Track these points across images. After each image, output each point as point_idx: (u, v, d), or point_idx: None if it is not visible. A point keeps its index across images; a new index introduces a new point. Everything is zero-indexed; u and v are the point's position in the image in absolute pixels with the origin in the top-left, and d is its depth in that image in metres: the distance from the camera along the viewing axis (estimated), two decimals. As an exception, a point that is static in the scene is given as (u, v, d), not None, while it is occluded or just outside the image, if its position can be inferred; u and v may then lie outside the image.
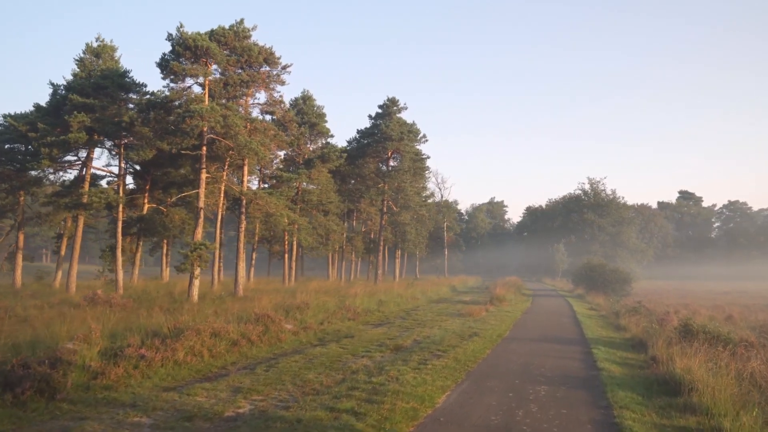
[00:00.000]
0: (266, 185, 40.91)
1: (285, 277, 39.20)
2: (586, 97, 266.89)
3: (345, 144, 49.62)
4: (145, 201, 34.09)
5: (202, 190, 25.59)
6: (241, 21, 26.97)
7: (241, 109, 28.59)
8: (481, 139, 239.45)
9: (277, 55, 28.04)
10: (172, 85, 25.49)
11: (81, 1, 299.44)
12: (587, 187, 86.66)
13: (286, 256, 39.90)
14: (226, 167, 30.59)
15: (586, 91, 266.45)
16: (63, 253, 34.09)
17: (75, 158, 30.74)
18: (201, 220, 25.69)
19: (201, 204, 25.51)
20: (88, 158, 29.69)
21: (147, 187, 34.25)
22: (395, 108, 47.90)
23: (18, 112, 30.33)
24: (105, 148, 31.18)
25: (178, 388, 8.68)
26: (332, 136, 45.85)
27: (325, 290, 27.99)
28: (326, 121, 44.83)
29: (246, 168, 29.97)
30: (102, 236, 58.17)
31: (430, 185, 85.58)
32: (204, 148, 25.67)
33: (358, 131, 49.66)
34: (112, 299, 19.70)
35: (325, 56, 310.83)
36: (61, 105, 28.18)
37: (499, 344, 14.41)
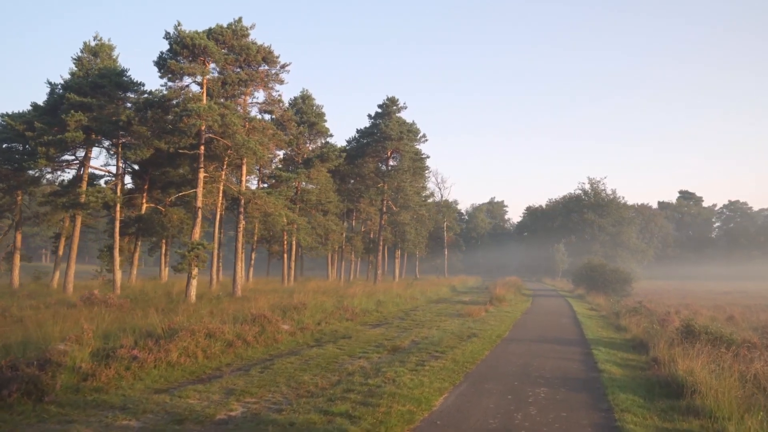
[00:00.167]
0: (265, 185, 40.76)
1: (284, 277, 39.04)
2: (586, 97, 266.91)
3: (344, 143, 49.49)
4: (144, 201, 33.92)
5: (200, 190, 25.43)
6: (240, 19, 26.83)
7: (239, 108, 28.44)
8: (481, 139, 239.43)
9: (275, 54, 27.90)
10: (169, 84, 25.33)
11: (80, 1, 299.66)
12: (587, 187, 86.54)
13: (285, 256, 39.74)
14: (225, 167, 30.44)
15: (586, 91, 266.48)
16: (61, 253, 33.95)
17: (73, 158, 30.60)
18: (199, 220, 25.52)
19: (199, 203, 25.34)
20: (86, 158, 29.55)
21: (145, 187, 34.08)
22: (395, 107, 47.73)
23: (16, 111, 30.17)
24: (103, 147, 31.07)
25: (170, 390, 8.52)
26: (331, 135, 45.77)
27: (323, 290, 27.82)
28: (325, 121, 44.70)
29: (244, 167, 29.82)
30: (101, 236, 58.02)
31: (430, 185, 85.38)
32: (202, 147, 25.50)
33: (358, 131, 49.53)
34: (109, 299, 19.55)
35: (325, 56, 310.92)
36: (59, 104, 28.03)
37: (498, 345, 14.23)
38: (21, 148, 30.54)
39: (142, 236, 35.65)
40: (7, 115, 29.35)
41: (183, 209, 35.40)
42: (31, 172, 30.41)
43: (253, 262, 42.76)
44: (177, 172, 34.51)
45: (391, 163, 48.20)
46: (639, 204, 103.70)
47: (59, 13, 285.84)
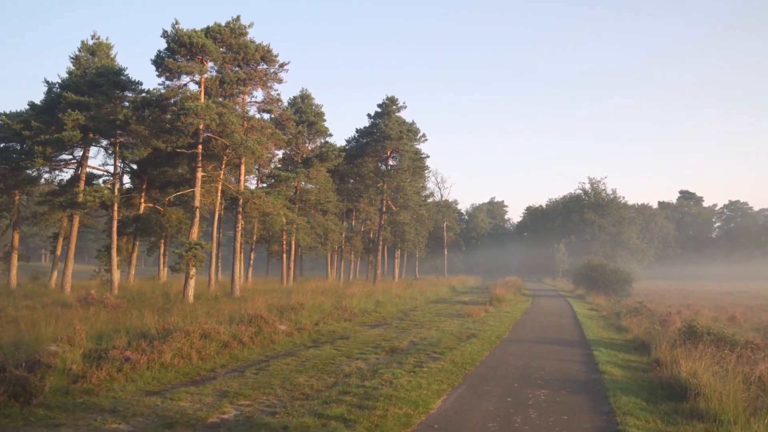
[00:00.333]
0: (264, 184, 40.60)
1: (283, 277, 38.86)
2: (586, 97, 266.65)
3: (344, 143, 49.34)
4: (142, 200, 33.75)
5: (197, 189, 25.26)
6: (238, 18, 26.68)
7: (238, 107, 28.27)
8: (481, 139, 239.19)
9: (274, 52, 27.74)
10: (167, 82, 25.16)
11: (79, 0, 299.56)
12: (588, 186, 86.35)
13: (284, 256, 39.57)
14: (223, 166, 30.27)
15: (586, 91, 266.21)
16: (59, 252, 33.79)
17: (70, 157, 30.43)
18: (197, 220, 25.35)
19: (197, 203, 25.17)
20: (84, 157, 29.37)
21: (144, 187, 33.94)
22: (394, 107, 47.57)
23: (13, 110, 30.00)
24: (101, 146, 30.91)
25: (163, 392, 8.34)
26: (331, 135, 45.73)
27: (322, 290, 27.64)
28: (325, 120, 44.55)
29: (243, 167, 29.65)
30: (100, 236, 57.86)
31: (430, 185, 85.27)
32: (200, 146, 25.34)
33: (357, 130, 49.37)
34: (106, 299, 19.40)
35: (325, 56, 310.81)
36: (56, 103, 27.85)
37: (497, 346, 14.06)
38: (18, 148, 30.35)
39: (140, 236, 35.49)
40: (5, 114, 29.16)
41: (181, 209, 35.23)
42: (28, 171, 30.23)
43: (252, 262, 42.58)
44: (175, 171, 34.36)
45: (390, 162, 48.04)
46: (639, 204, 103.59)
47: (58, 12, 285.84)
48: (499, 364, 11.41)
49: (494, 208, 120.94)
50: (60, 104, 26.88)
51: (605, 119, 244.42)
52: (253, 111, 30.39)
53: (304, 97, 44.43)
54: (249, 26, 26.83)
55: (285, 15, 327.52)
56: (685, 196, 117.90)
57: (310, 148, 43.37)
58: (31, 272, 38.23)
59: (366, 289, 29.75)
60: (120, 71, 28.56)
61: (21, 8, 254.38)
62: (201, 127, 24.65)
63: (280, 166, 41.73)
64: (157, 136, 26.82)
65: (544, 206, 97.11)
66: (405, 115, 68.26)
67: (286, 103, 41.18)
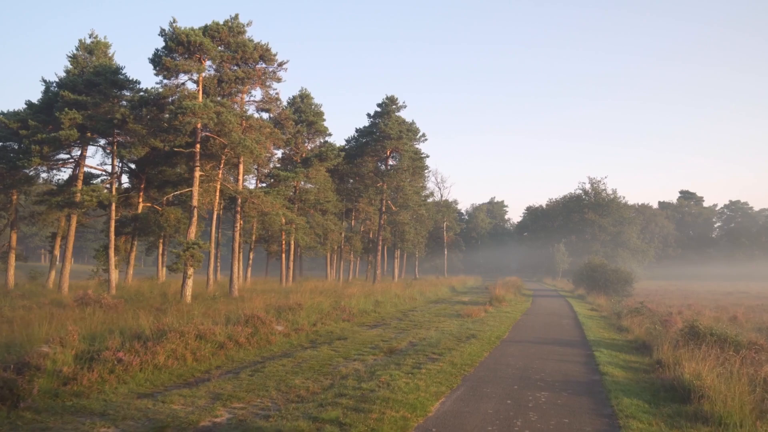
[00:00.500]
0: (263, 184, 40.42)
1: (282, 277, 38.68)
2: (587, 96, 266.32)
3: (343, 143, 49.19)
4: (140, 200, 33.58)
5: (195, 189, 25.09)
6: (236, 16, 26.54)
7: (236, 106, 28.11)
8: (481, 139, 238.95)
9: (273, 51, 27.59)
10: (165, 81, 25.02)
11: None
12: (588, 186, 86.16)
13: (284, 255, 39.40)
14: (222, 165, 30.11)
15: (587, 90, 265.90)
16: (57, 252, 33.62)
17: (68, 156, 30.27)
18: (195, 219, 25.18)
19: (195, 202, 25.01)
20: (82, 156, 29.21)
21: (142, 186, 33.76)
22: (394, 106, 47.40)
23: (11, 109, 29.84)
24: (98, 146, 30.74)
25: (155, 394, 8.17)
26: (330, 134, 45.51)
27: (321, 290, 27.46)
28: (324, 120, 44.37)
29: (241, 166, 29.49)
30: (99, 236, 57.74)
31: (430, 184, 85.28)
32: (198, 145, 25.17)
33: (357, 130, 49.22)
34: (103, 299, 19.23)
35: (325, 55, 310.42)
36: (54, 102, 27.70)
37: (497, 347, 13.88)
38: (16, 147, 30.19)
39: (138, 236, 35.32)
40: (2, 113, 29.00)
41: (180, 208, 35.06)
42: (25, 170, 30.07)
43: (251, 261, 42.39)
44: (174, 171, 34.20)
45: (390, 162, 47.87)
46: (640, 204, 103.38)
47: (56, 11, 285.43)
48: (498, 366, 11.24)
49: (494, 208, 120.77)
50: (57, 103, 26.73)
51: (605, 119, 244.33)
52: (251, 110, 30.28)
53: (304, 97, 44.25)
54: (247, 25, 26.69)
55: (285, 14, 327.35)
56: (686, 196, 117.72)
57: (309, 147, 43.20)
58: (29, 272, 38.10)
59: (365, 289, 29.58)
60: (118, 70, 28.40)
61: (19, 7, 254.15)
62: (199, 126, 24.50)
63: (279, 165, 41.57)
64: (155, 135, 26.68)
65: (545, 206, 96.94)
66: (405, 114, 68.25)
67: (285, 103, 41.06)
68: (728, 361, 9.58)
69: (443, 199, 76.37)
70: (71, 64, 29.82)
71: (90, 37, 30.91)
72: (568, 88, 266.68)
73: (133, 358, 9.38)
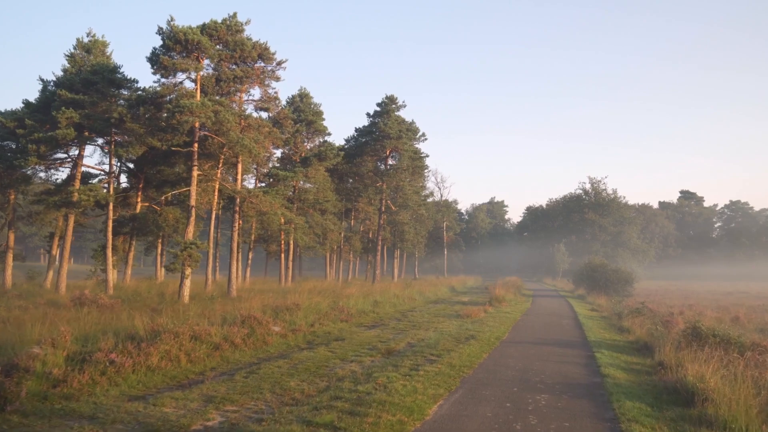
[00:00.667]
0: (262, 184, 40.26)
1: (281, 277, 38.51)
2: (587, 96, 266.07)
3: (343, 142, 49.05)
4: (138, 199, 33.42)
5: (193, 188, 24.93)
6: (234, 15, 26.37)
7: (234, 105, 27.94)
8: (481, 139, 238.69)
9: (271, 50, 27.43)
10: (162, 80, 24.86)
11: None
12: (588, 186, 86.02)
13: (283, 255, 39.23)
14: (221, 165, 29.95)
15: (587, 90, 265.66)
16: (55, 252, 33.45)
17: (65, 156, 30.11)
18: (192, 219, 25.02)
19: (192, 202, 24.85)
20: (79, 156, 29.04)
21: (140, 186, 33.60)
22: (394, 106, 47.23)
23: (8, 109, 29.68)
24: (96, 145, 30.57)
25: (147, 396, 8.00)
26: (330, 134, 45.31)
27: (319, 290, 27.29)
28: (323, 119, 44.24)
29: (240, 166, 29.34)
30: (99, 236, 57.55)
31: (430, 184, 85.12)
32: (195, 144, 25.02)
33: (356, 129, 49.08)
34: (99, 300, 19.08)
35: (324, 55, 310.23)
36: (51, 101, 27.52)
37: (497, 348, 13.72)
38: (14, 147, 30.04)
39: (137, 236, 35.15)
40: (-1, 112, 28.86)
41: (178, 208, 34.90)
42: (23, 170, 29.90)
43: (250, 261, 42.25)
44: (172, 170, 34.04)
45: (390, 162, 47.72)
46: (640, 204, 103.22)
47: (55, 9, 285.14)
48: (498, 367, 11.07)
49: (494, 208, 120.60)
50: (54, 102, 26.55)
51: (605, 119, 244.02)
52: (250, 109, 30.10)
53: (303, 96, 44.10)
54: (246, 23, 26.53)
55: (284, 14, 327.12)
56: (686, 195, 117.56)
57: (308, 147, 43.04)
58: (27, 272, 37.95)
59: (364, 290, 29.42)
60: (115, 69, 28.22)
61: (18, 6, 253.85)
62: (197, 125, 24.34)
63: (278, 165, 41.40)
64: (153, 135, 26.49)
65: (545, 206, 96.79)
66: (404, 114, 67.71)
67: (284, 102, 40.94)
68: (732, 364, 9.41)
69: (443, 198, 76.25)
70: (69, 63, 29.67)
71: (88, 36, 30.78)
72: (568, 88, 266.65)
73: (125, 360, 9.21)
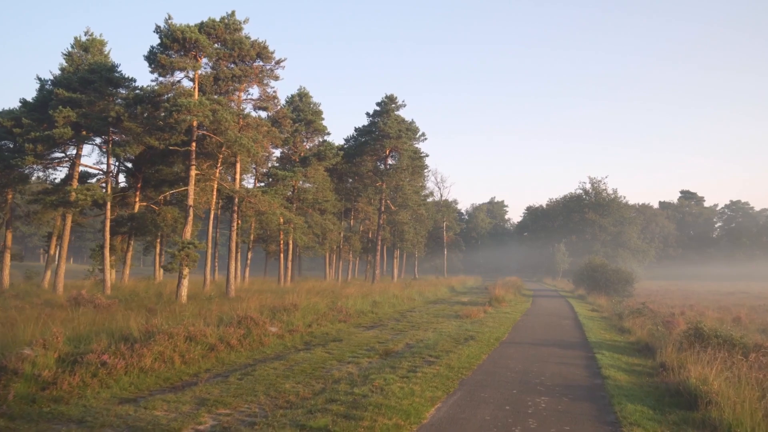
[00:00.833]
0: (262, 183, 40.10)
1: (280, 277, 38.34)
2: (587, 96, 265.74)
3: (342, 142, 48.89)
4: (137, 199, 33.26)
5: (191, 188, 24.76)
6: (232, 13, 26.20)
7: (233, 104, 27.77)
8: (481, 138, 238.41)
9: (270, 49, 27.26)
10: (160, 79, 24.69)
11: None
12: (588, 186, 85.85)
13: (282, 255, 39.06)
14: (219, 164, 29.78)
15: (587, 90, 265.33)
16: (53, 252, 33.31)
17: (63, 155, 29.93)
18: (190, 219, 24.86)
19: (190, 202, 24.68)
20: (77, 155, 28.88)
21: (139, 185, 33.43)
22: (393, 105, 47.07)
23: (5, 108, 29.53)
24: (94, 144, 30.41)
25: (138, 399, 7.84)
26: (329, 133, 45.15)
27: (318, 290, 27.12)
28: (323, 119, 44.08)
29: (239, 165, 29.17)
30: (98, 235, 57.35)
31: (429, 184, 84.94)
32: (193, 144, 24.84)
33: (356, 129, 48.93)
34: (96, 300, 18.92)
35: (324, 55, 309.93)
36: (48, 100, 27.35)
37: (496, 349, 13.55)
38: (12, 146, 29.87)
39: (135, 235, 34.98)
40: (-4, 111, 28.68)
41: (177, 208, 34.75)
42: (20, 169, 29.74)
43: (249, 261, 42.08)
44: (171, 170, 33.88)
45: (389, 161, 47.56)
46: (640, 204, 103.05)
47: (53, 9, 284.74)
48: (497, 369, 10.91)
49: (494, 208, 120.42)
50: (51, 101, 26.38)
51: (605, 119, 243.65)
52: (248, 108, 29.94)
53: (302, 96, 43.94)
54: (244, 22, 26.36)
55: (284, 14, 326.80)
56: (686, 195, 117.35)
57: (308, 146, 42.88)
58: (25, 272, 37.81)
59: (363, 290, 29.25)
60: (113, 68, 28.07)
61: (16, 5, 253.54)
62: (194, 124, 24.18)
63: (277, 164, 41.23)
64: (150, 134, 26.31)
65: (545, 206, 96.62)
66: (404, 113, 67.30)
67: (283, 102, 40.82)
68: (736, 366, 9.23)
69: (443, 198, 76.07)
70: (66, 62, 29.51)
71: (86, 35, 30.62)
72: (568, 88, 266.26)
73: (117, 361, 9.04)
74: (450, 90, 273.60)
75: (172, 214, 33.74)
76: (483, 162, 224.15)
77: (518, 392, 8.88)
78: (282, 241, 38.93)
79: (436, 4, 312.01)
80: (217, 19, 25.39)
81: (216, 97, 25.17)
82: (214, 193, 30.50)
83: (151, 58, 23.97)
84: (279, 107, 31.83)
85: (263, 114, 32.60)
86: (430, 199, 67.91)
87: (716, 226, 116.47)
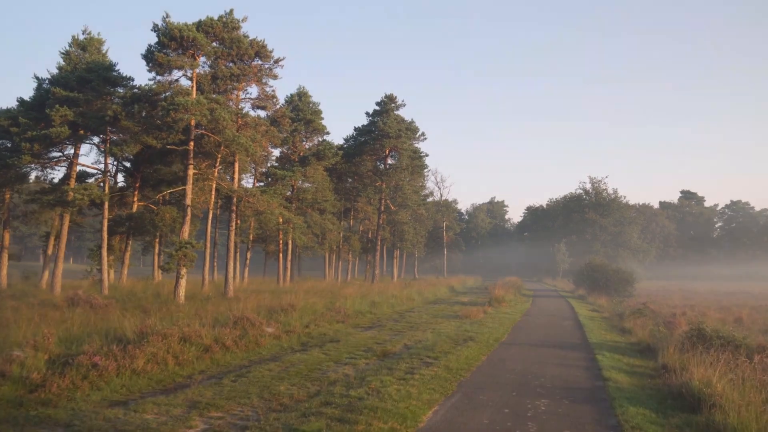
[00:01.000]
0: (261, 183, 39.94)
1: (279, 277, 38.18)
2: (587, 96, 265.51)
3: (342, 142, 48.72)
4: (135, 199, 33.11)
5: (189, 187, 24.60)
6: (231, 12, 26.03)
7: (231, 103, 27.61)
8: (481, 137, 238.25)
9: (269, 48, 27.11)
10: (158, 77, 24.54)
11: None
12: (589, 186, 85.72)
13: (281, 255, 38.91)
14: (218, 164, 29.62)
15: (587, 90, 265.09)
16: (51, 251, 33.15)
17: (60, 154, 29.77)
18: (188, 218, 24.69)
19: (188, 201, 24.51)
20: (75, 155, 28.72)
21: (137, 185, 33.29)
22: (393, 105, 46.93)
23: (2, 107, 29.36)
24: (91, 143, 30.25)
25: (129, 402, 7.67)
26: (328, 133, 44.98)
27: (317, 291, 26.98)
28: (322, 118, 43.90)
29: (237, 164, 29.00)
30: (97, 235, 57.15)
31: (429, 184, 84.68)
32: (191, 143, 24.67)
33: (356, 129, 48.78)
34: (93, 300, 18.78)
35: (324, 54, 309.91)
36: (45, 99, 27.19)
37: (495, 350, 13.38)
38: (9, 145, 29.71)
39: (134, 235, 34.83)
40: (-7, 110, 28.53)
41: (175, 207, 34.57)
42: (17, 169, 29.57)
43: (248, 261, 41.94)
44: (169, 169, 33.73)
45: (389, 161, 47.41)
46: (640, 204, 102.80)
47: (52, 8, 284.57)
48: (496, 370, 10.74)
49: (494, 208, 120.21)
50: (49, 100, 26.23)
51: (606, 119, 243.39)
52: (247, 108, 29.77)
53: (301, 95, 43.77)
54: (242, 20, 26.20)
55: (283, 13, 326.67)
56: (687, 195, 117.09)
57: (307, 146, 42.72)
58: (23, 272, 37.64)
59: (362, 290, 29.09)
60: (111, 66, 27.92)
61: (14, 4, 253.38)
62: (192, 123, 24.01)
63: (276, 164, 41.07)
64: (148, 133, 26.15)
65: (545, 206, 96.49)
66: (404, 113, 67.04)
67: (282, 101, 40.64)
68: (740, 367, 9.06)
69: (443, 198, 75.94)
70: (64, 61, 29.35)
71: (83, 34, 30.46)
72: (568, 88, 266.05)
73: (109, 363, 8.88)
74: (450, 90, 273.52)
75: (170, 214, 33.56)
76: (483, 162, 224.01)
77: (518, 395, 8.71)
78: (281, 241, 38.79)
79: (436, 4, 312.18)
80: (216, 18, 25.23)
81: (214, 96, 25.00)
82: (213, 192, 30.34)
83: (149, 56, 23.80)
84: (278, 106, 31.67)
85: (262, 113, 32.46)
86: (429, 199, 67.78)
87: (717, 226, 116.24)
